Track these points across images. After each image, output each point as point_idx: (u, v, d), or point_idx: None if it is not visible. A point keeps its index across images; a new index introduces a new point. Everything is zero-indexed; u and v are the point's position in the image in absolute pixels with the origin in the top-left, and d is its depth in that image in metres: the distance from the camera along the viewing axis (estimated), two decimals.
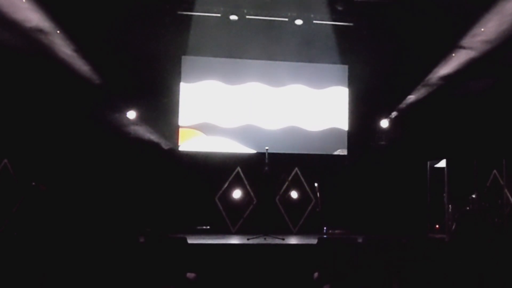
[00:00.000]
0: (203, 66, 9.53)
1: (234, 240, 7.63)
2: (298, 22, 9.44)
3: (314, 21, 9.48)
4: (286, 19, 9.46)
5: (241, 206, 8.93)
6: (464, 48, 8.78)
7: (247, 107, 9.58)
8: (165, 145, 9.17)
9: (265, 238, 7.48)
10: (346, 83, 9.86)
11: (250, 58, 9.62)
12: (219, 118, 9.50)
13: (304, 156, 9.55)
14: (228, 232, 8.63)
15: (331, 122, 9.76)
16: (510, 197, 8.72)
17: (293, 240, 7.67)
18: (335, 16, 9.42)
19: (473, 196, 8.28)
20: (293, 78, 9.74)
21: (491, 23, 8.08)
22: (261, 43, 9.45)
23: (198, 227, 8.58)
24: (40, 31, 7.90)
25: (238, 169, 9.06)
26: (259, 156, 8.93)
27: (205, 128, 9.45)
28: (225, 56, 9.54)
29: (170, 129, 9.31)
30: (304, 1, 9.23)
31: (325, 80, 9.84)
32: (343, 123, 9.78)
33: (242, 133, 9.48)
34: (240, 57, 9.59)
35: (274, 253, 6.78)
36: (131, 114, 8.89)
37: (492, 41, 8.33)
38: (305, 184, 9.15)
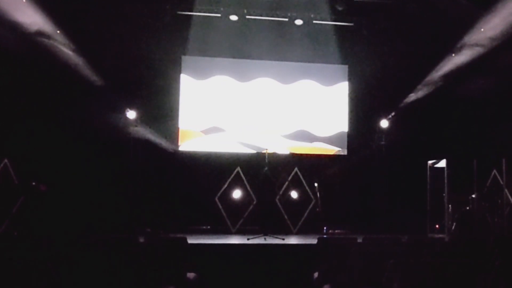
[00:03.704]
0: (204, 66, 9.56)
1: (234, 240, 7.63)
2: (298, 22, 9.45)
3: (314, 21, 9.48)
4: (286, 19, 9.46)
5: (241, 206, 8.92)
6: (464, 48, 8.78)
7: (252, 106, 9.65)
8: (168, 146, 9.17)
9: (265, 238, 7.48)
10: (346, 83, 9.90)
11: (250, 58, 9.63)
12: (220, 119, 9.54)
13: (304, 156, 9.57)
14: (228, 232, 8.62)
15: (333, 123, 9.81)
16: (510, 197, 8.71)
17: (293, 240, 7.66)
18: (335, 16, 9.43)
19: (473, 196, 8.28)
20: (293, 77, 9.77)
21: (491, 23, 8.08)
22: (261, 43, 9.47)
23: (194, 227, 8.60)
24: (40, 31, 7.90)
25: (238, 169, 9.05)
26: (259, 156, 8.94)
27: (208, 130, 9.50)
28: (225, 56, 9.55)
29: (170, 129, 9.31)
30: (304, 1, 9.23)
31: (327, 79, 9.86)
32: (343, 123, 9.82)
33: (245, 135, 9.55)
34: (240, 57, 9.61)
35: (274, 253, 6.78)
36: (131, 114, 8.88)
37: (492, 41, 8.33)
38: (305, 184, 9.14)
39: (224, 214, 8.82)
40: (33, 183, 7.87)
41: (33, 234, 6.85)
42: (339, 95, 9.86)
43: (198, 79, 9.54)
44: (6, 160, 8.01)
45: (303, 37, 9.54)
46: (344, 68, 9.90)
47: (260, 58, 9.65)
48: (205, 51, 9.48)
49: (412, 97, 9.49)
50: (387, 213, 8.84)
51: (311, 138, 9.72)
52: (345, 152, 9.78)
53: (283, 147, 9.61)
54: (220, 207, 8.86)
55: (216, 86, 9.58)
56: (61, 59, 8.19)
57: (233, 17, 9.26)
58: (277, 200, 8.97)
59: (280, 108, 9.68)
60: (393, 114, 9.56)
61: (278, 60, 9.71)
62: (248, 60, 9.66)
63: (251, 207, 8.87)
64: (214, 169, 9.17)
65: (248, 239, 7.36)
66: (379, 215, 8.89)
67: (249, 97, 9.65)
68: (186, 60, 9.51)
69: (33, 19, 7.69)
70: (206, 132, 9.49)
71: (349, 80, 9.89)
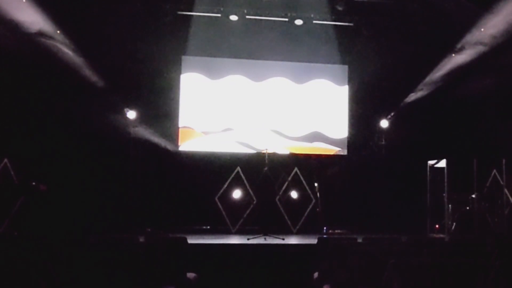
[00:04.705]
0: (204, 66, 9.56)
1: (234, 240, 7.63)
2: (298, 22, 9.44)
3: (314, 21, 9.48)
4: (286, 19, 9.46)
5: (241, 206, 8.92)
6: (464, 47, 8.78)
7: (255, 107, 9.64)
8: (168, 146, 9.17)
9: (265, 238, 7.48)
10: (346, 83, 9.90)
11: (250, 58, 9.63)
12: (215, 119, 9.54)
13: (304, 156, 9.57)
14: (228, 232, 8.62)
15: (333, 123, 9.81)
16: (510, 197, 8.71)
17: (293, 240, 7.66)
18: (335, 16, 9.42)
19: (473, 196, 8.28)
20: (294, 77, 9.77)
21: (491, 22, 8.08)
22: (261, 43, 9.47)
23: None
24: (40, 31, 7.89)
25: (238, 169, 9.05)
26: (259, 156, 8.94)
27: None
28: (226, 56, 9.54)
29: (170, 129, 9.31)
30: (304, 1, 9.23)
31: (327, 80, 9.86)
32: (344, 123, 9.82)
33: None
34: (241, 57, 9.61)
35: (274, 253, 6.77)
36: (131, 114, 8.89)
37: (492, 41, 8.33)
38: (305, 184, 9.14)
39: (224, 214, 8.82)
40: (33, 183, 7.86)
41: (33, 234, 6.85)
42: (340, 96, 9.86)
43: (199, 78, 9.53)
44: (6, 160, 8.01)
45: (304, 37, 9.53)
46: (344, 68, 9.90)
47: (261, 58, 9.64)
48: (206, 51, 9.47)
49: (412, 97, 9.49)
50: (387, 213, 8.83)
51: (312, 138, 9.72)
52: (345, 152, 9.78)
53: (283, 146, 9.61)
54: (220, 207, 8.86)
55: (216, 86, 9.58)
56: (61, 59, 8.19)
57: (233, 17, 9.25)
58: (277, 200, 8.97)
59: (282, 108, 9.68)
60: (393, 114, 9.56)
61: (280, 60, 9.70)
62: (251, 60, 9.65)
63: (251, 207, 8.87)
64: (214, 169, 9.17)
65: (248, 239, 7.36)
66: (379, 215, 8.88)
67: (250, 98, 9.65)
68: (186, 60, 9.51)
69: (33, 19, 7.69)
70: (206, 132, 9.49)
71: (349, 80, 9.89)
